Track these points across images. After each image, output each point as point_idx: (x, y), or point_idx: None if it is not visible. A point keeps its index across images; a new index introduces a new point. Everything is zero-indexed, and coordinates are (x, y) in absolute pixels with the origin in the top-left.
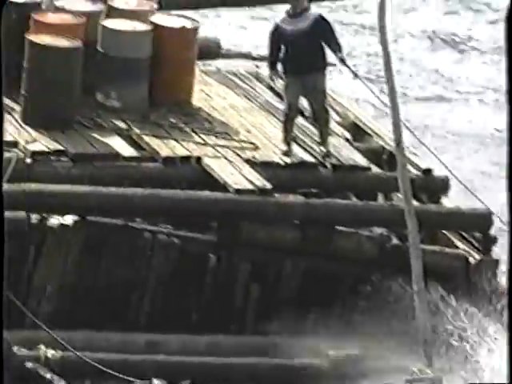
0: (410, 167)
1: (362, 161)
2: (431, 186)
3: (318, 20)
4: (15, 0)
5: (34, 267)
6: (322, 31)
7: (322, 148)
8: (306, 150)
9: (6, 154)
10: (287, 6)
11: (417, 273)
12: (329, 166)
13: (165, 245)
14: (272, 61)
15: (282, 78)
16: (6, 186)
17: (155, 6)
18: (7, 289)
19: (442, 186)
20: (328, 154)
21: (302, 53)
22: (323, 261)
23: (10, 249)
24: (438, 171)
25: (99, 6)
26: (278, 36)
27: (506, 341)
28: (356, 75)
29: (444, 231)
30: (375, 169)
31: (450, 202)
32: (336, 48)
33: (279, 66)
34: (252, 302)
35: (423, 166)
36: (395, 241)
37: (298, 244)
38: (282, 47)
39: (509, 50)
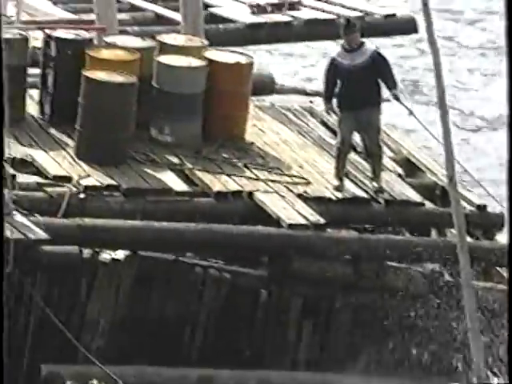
0: (464, 203)
1: (415, 196)
2: (486, 222)
3: (375, 55)
4: (68, 37)
5: (87, 301)
6: (379, 67)
7: (375, 183)
8: (358, 185)
9: (60, 189)
10: None
11: (470, 310)
12: (381, 201)
13: (216, 280)
14: (327, 95)
15: (336, 113)
16: (60, 221)
17: (205, 41)
18: (61, 323)
19: (497, 221)
20: (381, 190)
21: (358, 88)
22: (375, 296)
23: (63, 283)
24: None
25: (151, 42)
26: (333, 70)
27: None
28: (411, 112)
29: (497, 268)
30: (428, 204)
31: (504, 238)
32: (392, 84)
33: (334, 101)
34: (304, 337)
35: (477, 201)
36: (447, 277)
37: (349, 279)
38: (338, 82)
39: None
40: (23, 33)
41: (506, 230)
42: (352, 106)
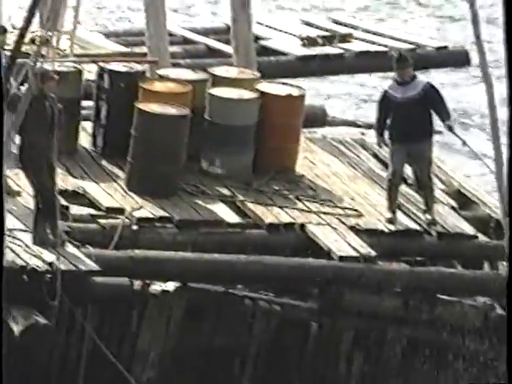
0: None
1: (468, 229)
2: None
3: (427, 88)
4: (121, 69)
5: (138, 332)
6: (432, 99)
7: (428, 216)
8: (410, 217)
9: (113, 221)
10: None
11: None
12: (434, 233)
13: (266, 312)
14: (379, 128)
15: (387, 146)
16: (111, 253)
17: (257, 74)
18: (112, 354)
19: None
20: (433, 222)
21: (410, 120)
22: (426, 329)
23: (114, 314)
24: None
25: (203, 75)
26: (386, 103)
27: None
28: (465, 143)
29: None
30: (482, 237)
31: None
32: (445, 116)
33: (386, 133)
34: (354, 369)
35: None
36: (499, 310)
37: (400, 312)
38: (390, 114)
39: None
40: (77, 66)
41: None
42: (404, 139)
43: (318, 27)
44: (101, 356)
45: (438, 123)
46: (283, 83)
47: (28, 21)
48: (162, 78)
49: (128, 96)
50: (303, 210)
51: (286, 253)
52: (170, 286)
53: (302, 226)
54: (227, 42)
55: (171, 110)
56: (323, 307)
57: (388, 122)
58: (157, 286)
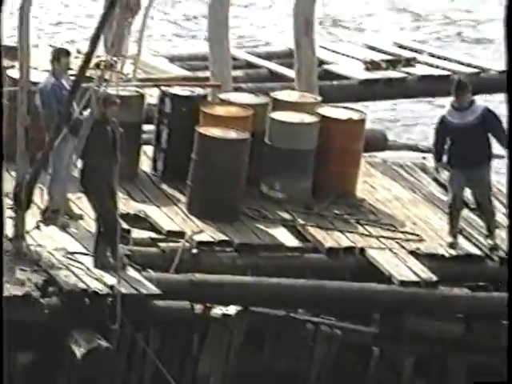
0: None
1: None
2: None
3: (486, 113)
4: (183, 93)
5: (198, 356)
6: (490, 124)
7: (490, 241)
8: (472, 242)
9: (174, 244)
10: None
11: None
12: (496, 258)
13: (327, 336)
14: (437, 153)
15: (447, 170)
16: (172, 276)
17: (319, 98)
18: (173, 378)
19: None
20: (495, 247)
21: (469, 146)
22: (489, 356)
23: (175, 338)
24: None
25: (264, 99)
26: (444, 128)
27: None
28: None
29: None
30: None
31: None
32: (504, 140)
33: (444, 158)
34: None
35: None
36: None
37: (462, 338)
38: (448, 139)
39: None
40: (140, 90)
41: None
42: (462, 164)
43: (382, 51)
44: (162, 380)
45: (497, 146)
46: (344, 107)
47: (93, 46)
48: (223, 101)
49: (189, 120)
50: (363, 235)
51: (346, 277)
52: (231, 309)
53: (362, 250)
54: (290, 66)
55: (232, 134)
56: (384, 332)
57: (446, 147)
58: (218, 310)
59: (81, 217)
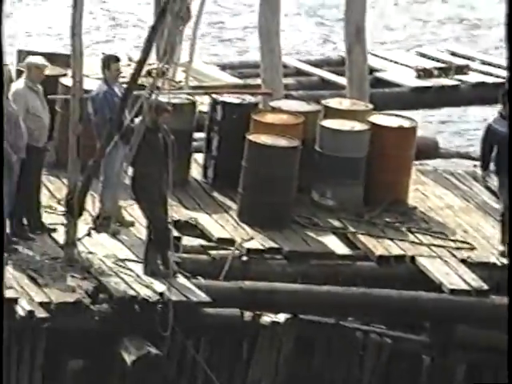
0: None
1: None
2: None
3: None
4: (234, 101)
5: (248, 364)
6: None
7: None
8: None
9: (223, 252)
10: None
11: None
12: None
13: (377, 344)
14: (484, 161)
15: (494, 179)
16: (221, 283)
17: (370, 105)
18: None
19: None
20: None
21: None
22: None
23: (224, 345)
24: None
25: (315, 106)
26: (491, 136)
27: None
28: None
29: None
30: None
31: None
32: None
33: (492, 166)
34: None
35: None
36: None
37: None
38: (495, 148)
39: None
40: (191, 98)
41: None
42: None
43: (434, 59)
44: None
45: None
46: (395, 115)
47: (145, 54)
48: (274, 109)
49: (240, 128)
50: (414, 243)
51: (396, 285)
52: (281, 317)
53: (413, 258)
54: (341, 74)
55: (282, 142)
56: (435, 341)
57: (493, 155)
58: (267, 318)
59: (132, 224)
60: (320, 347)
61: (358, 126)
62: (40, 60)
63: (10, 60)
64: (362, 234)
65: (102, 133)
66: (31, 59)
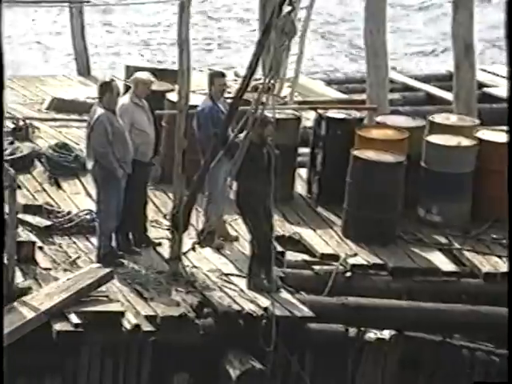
0: None
1: None
2: None
3: None
4: (339, 116)
5: (353, 380)
6: None
7: None
8: None
9: (327, 267)
10: None
11: None
12: None
13: (485, 363)
14: None
15: None
16: (325, 299)
17: (477, 121)
18: None
19: None
20: None
21: None
22: None
23: (328, 361)
24: None
25: (420, 122)
26: None
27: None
28: None
29: None
30: None
31: None
32: None
33: None
34: None
35: None
36: None
37: None
38: None
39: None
40: (296, 113)
41: None
42: None
43: None
44: None
45: None
46: (503, 130)
47: (251, 70)
48: (379, 124)
49: (344, 143)
50: None
51: (504, 303)
52: (386, 333)
53: None
54: (448, 89)
55: (387, 157)
56: None
57: None
58: (372, 334)
59: (236, 238)
60: (426, 365)
61: (464, 141)
62: (147, 76)
63: (119, 75)
64: (468, 250)
65: (205, 148)
66: (138, 75)
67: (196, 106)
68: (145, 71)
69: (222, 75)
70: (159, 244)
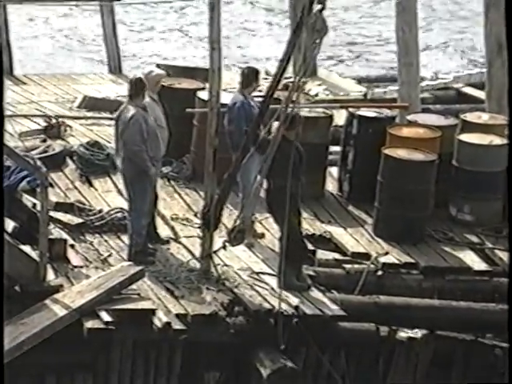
0: None
1: None
2: None
3: None
4: (370, 115)
5: (385, 379)
6: None
7: None
8: None
9: (358, 266)
10: None
11: None
12: None
13: None
14: None
15: None
16: (356, 298)
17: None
18: None
19: None
20: None
21: None
22: None
23: (360, 360)
24: None
25: (452, 120)
26: None
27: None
28: None
29: None
30: None
31: None
32: None
33: None
34: None
35: None
36: None
37: None
38: None
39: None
40: (327, 112)
41: None
42: None
43: None
44: None
45: None
46: None
47: (282, 68)
48: (410, 123)
49: (375, 141)
50: None
51: None
52: (418, 333)
53: None
54: (481, 88)
55: (419, 156)
56: None
57: None
58: (403, 333)
59: (262, 235)
60: (458, 364)
61: (496, 140)
62: (156, 71)
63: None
64: (500, 249)
65: (235, 142)
66: (149, 71)
67: (226, 105)
68: (176, 69)
69: (257, 73)
70: (167, 242)
